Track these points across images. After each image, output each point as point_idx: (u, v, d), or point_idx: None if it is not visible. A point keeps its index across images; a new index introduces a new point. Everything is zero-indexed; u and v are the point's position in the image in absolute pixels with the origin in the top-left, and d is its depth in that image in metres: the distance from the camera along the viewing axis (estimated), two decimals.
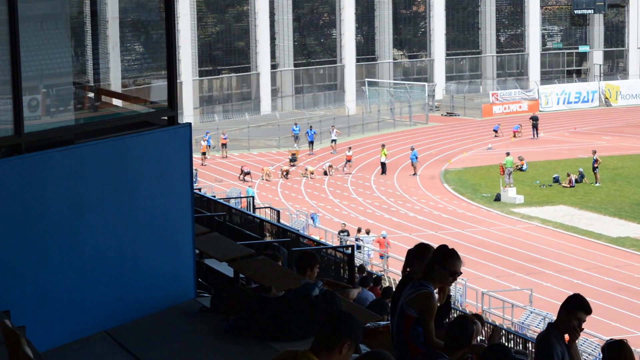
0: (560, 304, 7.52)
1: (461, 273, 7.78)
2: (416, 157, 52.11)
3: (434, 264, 7.75)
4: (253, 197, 34.10)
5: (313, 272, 10.12)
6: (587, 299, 7.63)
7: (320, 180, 50.97)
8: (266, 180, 50.28)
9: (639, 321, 27.95)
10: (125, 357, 8.37)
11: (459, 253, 8.12)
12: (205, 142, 56.93)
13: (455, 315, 16.56)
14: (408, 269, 8.24)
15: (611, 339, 7.63)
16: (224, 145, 58.89)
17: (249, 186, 46.28)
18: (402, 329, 7.68)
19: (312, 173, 52.11)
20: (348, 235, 36.45)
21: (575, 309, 7.42)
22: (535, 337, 24.45)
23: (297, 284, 9.48)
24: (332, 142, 59.25)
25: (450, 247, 8.00)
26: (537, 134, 62.86)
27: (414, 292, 7.67)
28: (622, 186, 47.38)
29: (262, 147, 61.88)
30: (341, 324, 5.58)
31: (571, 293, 7.71)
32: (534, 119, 63.37)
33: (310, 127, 60.72)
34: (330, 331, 5.55)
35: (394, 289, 8.84)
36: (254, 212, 27.87)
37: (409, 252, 8.38)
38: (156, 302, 9.38)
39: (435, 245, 8.27)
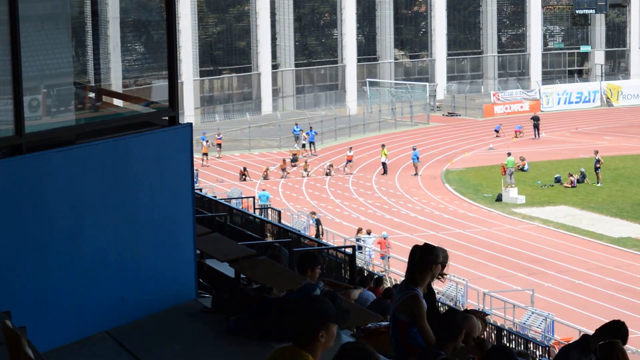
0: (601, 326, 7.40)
1: (447, 257, 7.70)
2: (417, 158, 52.11)
3: (415, 268, 7.64)
4: (254, 197, 34.05)
5: (314, 273, 10.11)
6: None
7: (321, 181, 50.97)
8: (265, 178, 50.33)
9: None
10: (126, 358, 8.37)
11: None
12: (206, 142, 56.84)
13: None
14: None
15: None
16: (218, 145, 58.84)
17: (263, 189, 46.19)
18: (398, 332, 7.68)
19: (306, 163, 52.40)
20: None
21: (608, 335, 7.33)
22: (536, 337, 24.47)
23: (299, 284, 9.47)
24: (309, 145, 58.90)
25: (421, 244, 7.85)
26: (538, 134, 62.85)
27: (401, 297, 7.64)
28: (623, 186, 47.35)
29: (263, 148, 61.89)
30: (310, 314, 5.39)
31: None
32: (535, 119, 63.36)
33: (311, 127, 60.71)
34: (303, 325, 5.38)
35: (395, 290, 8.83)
36: (255, 212, 27.87)
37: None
38: (157, 302, 9.37)
39: (436, 246, 8.23)
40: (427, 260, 7.56)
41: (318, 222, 37.35)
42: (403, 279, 7.93)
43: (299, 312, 5.46)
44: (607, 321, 7.64)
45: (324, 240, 30.04)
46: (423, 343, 7.57)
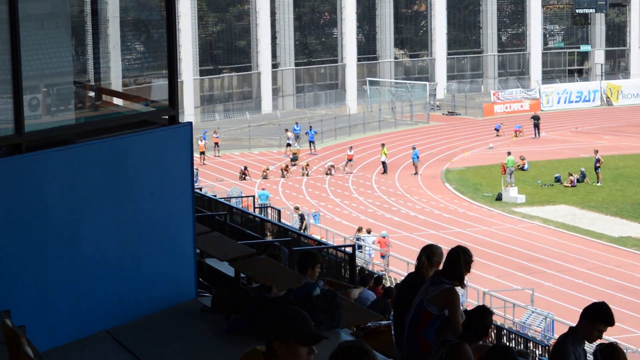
0: (582, 309, 7.39)
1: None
2: (417, 157, 52.11)
3: (460, 267, 7.84)
4: (254, 196, 34.02)
5: (314, 272, 10.10)
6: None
7: (321, 180, 50.96)
8: (264, 178, 50.32)
9: None
10: (126, 357, 8.36)
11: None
12: (202, 141, 56.74)
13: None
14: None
15: (602, 343, 7.53)
16: (216, 144, 58.79)
17: (263, 188, 46.21)
18: (418, 324, 7.72)
19: (307, 165, 52.41)
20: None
21: (596, 320, 7.29)
22: (536, 337, 24.49)
23: (298, 283, 9.47)
24: (287, 146, 58.78)
25: (460, 247, 8.22)
26: (538, 133, 62.86)
27: (435, 289, 7.77)
28: (623, 186, 47.35)
29: (263, 147, 61.88)
30: (275, 323, 5.24)
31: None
32: (536, 118, 63.37)
33: (310, 127, 60.69)
34: (267, 331, 5.26)
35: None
36: (254, 211, 27.83)
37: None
38: (157, 301, 9.36)
39: (439, 246, 8.53)
40: (468, 261, 8.11)
41: (302, 218, 37.47)
42: (409, 274, 8.10)
43: (271, 317, 5.34)
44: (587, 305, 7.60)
45: (324, 240, 30.00)
46: (435, 343, 7.62)
